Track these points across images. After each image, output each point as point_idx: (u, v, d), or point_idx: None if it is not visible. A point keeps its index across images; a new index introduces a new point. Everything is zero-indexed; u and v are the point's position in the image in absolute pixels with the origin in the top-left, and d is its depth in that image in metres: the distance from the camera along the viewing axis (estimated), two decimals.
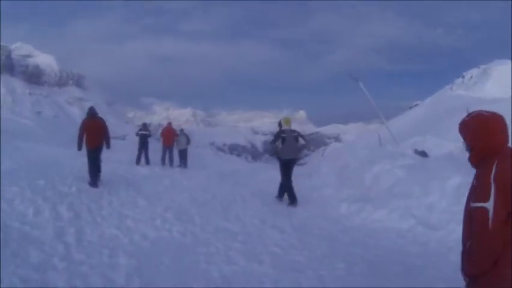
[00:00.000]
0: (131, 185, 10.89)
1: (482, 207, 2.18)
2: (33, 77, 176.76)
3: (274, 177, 11.16)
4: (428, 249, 6.29)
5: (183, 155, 18.81)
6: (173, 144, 18.33)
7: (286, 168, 9.93)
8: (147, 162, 17.19)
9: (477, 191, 2.26)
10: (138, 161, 17.10)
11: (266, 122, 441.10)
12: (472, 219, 2.26)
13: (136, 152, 17.39)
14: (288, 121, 10.09)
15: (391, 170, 10.96)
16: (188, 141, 19.01)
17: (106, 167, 13.94)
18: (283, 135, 9.72)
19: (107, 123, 11.11)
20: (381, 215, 8.33)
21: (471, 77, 66.23)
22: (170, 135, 18.30)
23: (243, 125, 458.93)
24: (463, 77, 69.21)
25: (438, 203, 8.03)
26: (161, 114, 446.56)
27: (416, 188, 8.98)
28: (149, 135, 17.96)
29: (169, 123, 19.31)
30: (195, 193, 10.53)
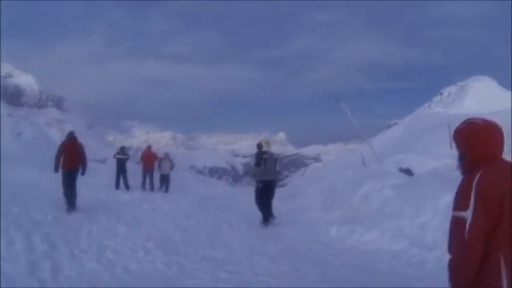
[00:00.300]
0: (112, 211, 10.39)
1: (460, 217, 2.08)
2: (13, 97, 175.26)
3: None
4: (424, 269, 6.08)
5: (166, 179, 18.21)
6: (154, 168, 17.89)
7: (267, 189, 10.04)
8: (126, 187, 16.70)
9: (457, 200, 2.16)
10: (117, 186, 16.62)
11: (246, 145, 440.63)
12: (451, 228, 2.17)
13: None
14: (268, 143, 10.21)
15: (380, 190, 10.76)
16: (172, 166, 18.51)
17: (85, 191, 13.39)
18: (265, 156, 9.84)
19: (85, 149, 10.87)
20: (373, 237, 8.11)
21: (449, 94, 67.01)
22: (151, 159, 17.91)
23: (223, 148, 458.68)
24: (441, 94, 69.97)
25: (431, 222, 7.84)
26: (140, 138, 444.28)
27: (407, 207, 8.78)
28: (126, 159, 17.46)
29: (149, 147, 19.04)
30: (178, 219, 10.13)
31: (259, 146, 10.10)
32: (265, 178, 9.91)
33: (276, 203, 15.11)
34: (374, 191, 10.90)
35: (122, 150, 17.82)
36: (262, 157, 9.80)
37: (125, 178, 16.91)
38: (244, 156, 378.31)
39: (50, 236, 7.12)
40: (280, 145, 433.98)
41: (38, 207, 9.60)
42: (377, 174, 13.11)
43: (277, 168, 10.43)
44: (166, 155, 18.84)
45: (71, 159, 10.30)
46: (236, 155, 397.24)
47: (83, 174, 10.62)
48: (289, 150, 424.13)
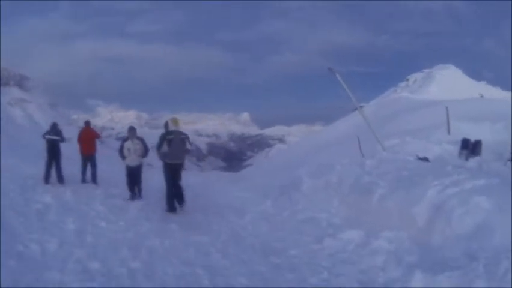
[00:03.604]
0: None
1: None
2: None
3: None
4: None
5: (136, 177, 10.77)
6: (95, 152, 12.98)
7: (173, 173, 9.10)
8: (60, 179, 12.05)
9: None
10: (47, 178, 11.86)
11: (210, 124, 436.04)
12: None
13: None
14: (176, 122, 9.39)
15: (465, 196, 6.46)
16: (145, 152, 10.83)
17: None
18: (170, 137, 9.00)
19: None
20: None
21: (415, 80, 67.68)
22: (90, 140, 12.92)
23: (187, 127, 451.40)
24: (407, 80, 70.66)
25: None
26: (105, 117, 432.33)
27: None
28: (60, 141, 12.44)
29: (87, 123, 13.63)
30: (116, 256, 5.45)
31: (166, 125, 9.38)
32: (169, 161, 9.04)
33: (267, 205, 10.47)
34: (454, 199, 6.53)
35: (54, 127, 12.63)
36: (166, 138, 8.96)
37: (58, 167, 12.19)
38: (208, 136, 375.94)
39: None
40: (244, 125, 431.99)
41: None
42: (432, 170, 8.50)
43: (186, 147, 9.23)
44: (132, 132, 10.81)
45: None
46: (200, 135, 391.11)
47: None
48: (253, 130, 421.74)
